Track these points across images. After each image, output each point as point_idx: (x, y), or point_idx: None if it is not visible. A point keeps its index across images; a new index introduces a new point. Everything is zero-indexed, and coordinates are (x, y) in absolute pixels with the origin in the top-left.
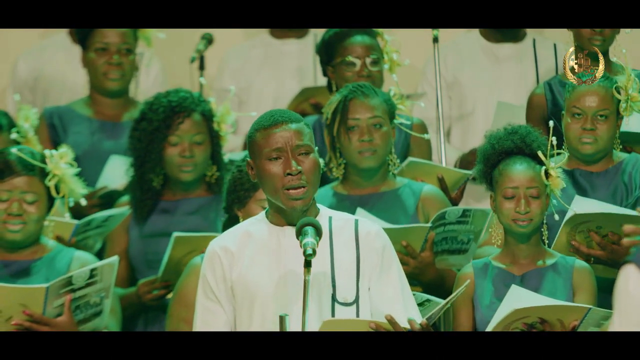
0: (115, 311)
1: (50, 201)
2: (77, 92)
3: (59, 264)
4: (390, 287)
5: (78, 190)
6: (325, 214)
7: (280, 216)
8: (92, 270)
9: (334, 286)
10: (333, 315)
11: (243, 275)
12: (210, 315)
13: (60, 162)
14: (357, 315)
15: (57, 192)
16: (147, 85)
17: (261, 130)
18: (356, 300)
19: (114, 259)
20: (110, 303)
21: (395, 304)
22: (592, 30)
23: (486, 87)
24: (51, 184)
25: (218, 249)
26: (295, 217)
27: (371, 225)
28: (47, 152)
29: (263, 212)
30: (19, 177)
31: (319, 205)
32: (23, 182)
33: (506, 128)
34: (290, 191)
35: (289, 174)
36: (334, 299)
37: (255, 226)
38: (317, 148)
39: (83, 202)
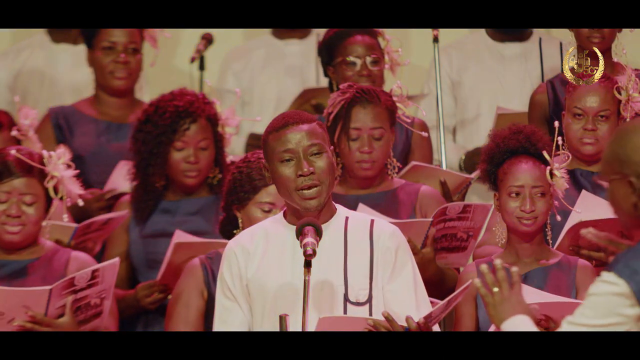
0: (113, 312)
1: (49, 202)
2: (57, 90)
3: (56, 264)
4: (403, 287)
5: (76, 191)
6: (342, 214)
7: (297, 215)
8: (94, 271)
9: (346, 286)
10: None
11: (258, 273)
12: (227, 313)
13: (58, 163)
14: (370, 315)
15: (56, 193)
16: None
17: (273, 133)
18: (369, 300)
19: (116, 260)
20: (109, 304)
21: (407, 304)
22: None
23: (492, 86)
24: (50, 185)
25: (235, 247)
26: (310, 216)
27: (387, 226)
28: (45, 153)
29: (281, 212)
30: (17, 178)
31: (337, 205)
32: (22, 183)
33: (511, 127)
34: (304, 191)
35: (300, 175)
36: (346, 298)
37: (272, 225)
38: (331, 147)
39: (80, 202)
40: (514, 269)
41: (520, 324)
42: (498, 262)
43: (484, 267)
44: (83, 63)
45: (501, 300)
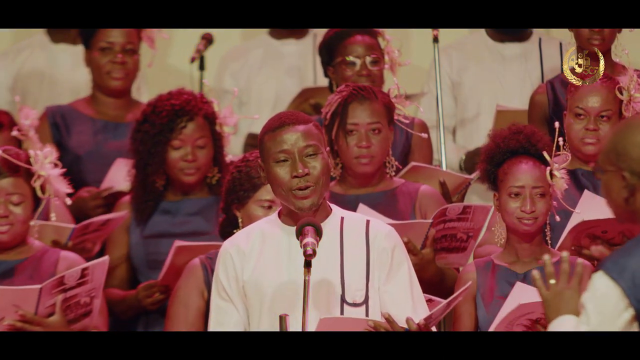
0: (103, 312)
1: (36, 202)
2: (57, 90)
3: (45, 264)
4: (399, 288)
5: (63, 190)
6: (337, 214)
7: (292, 216)
8: (84, 270)
9: (343, 287)
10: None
11: (254, 274)
12: (223, 314)
13: (45, 162)
14: (367, 316)
15: (43, 193)
16: None
17: (269, 133)
18: (365, 301)
19: (105, 258)
20: (99, 303)
21: (404, 305)
22: (591, 30)
23: (492, 87)
24: (37, 184)
25: (230, 248)
26: (305, 217)
27: (382, 226)
28: (31, 152)
29: (276, 212)
30: (4, 178)
31: (332, 206)
32: (9, 183)
33: (511, 127)
34: (298, 192)
35: (295, 176)
36: (343, 299)
37: (267, 226)
38: (327, 148)
39: (68, 201)
40: (580, 260)
41: (565, 324)
42: (565, 254)
43: (547, 257)
44: (83, 63)
45: (554, 295)
